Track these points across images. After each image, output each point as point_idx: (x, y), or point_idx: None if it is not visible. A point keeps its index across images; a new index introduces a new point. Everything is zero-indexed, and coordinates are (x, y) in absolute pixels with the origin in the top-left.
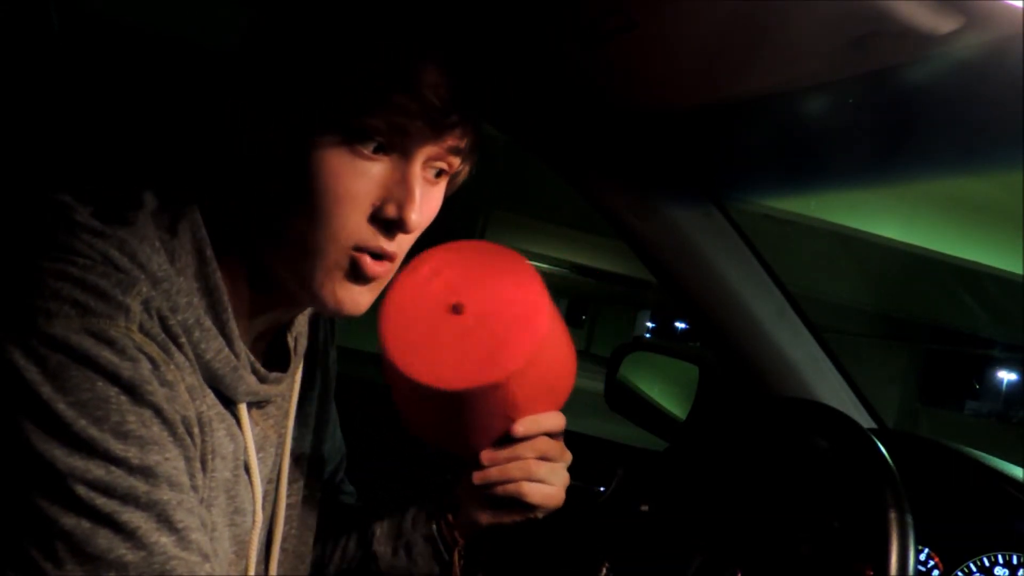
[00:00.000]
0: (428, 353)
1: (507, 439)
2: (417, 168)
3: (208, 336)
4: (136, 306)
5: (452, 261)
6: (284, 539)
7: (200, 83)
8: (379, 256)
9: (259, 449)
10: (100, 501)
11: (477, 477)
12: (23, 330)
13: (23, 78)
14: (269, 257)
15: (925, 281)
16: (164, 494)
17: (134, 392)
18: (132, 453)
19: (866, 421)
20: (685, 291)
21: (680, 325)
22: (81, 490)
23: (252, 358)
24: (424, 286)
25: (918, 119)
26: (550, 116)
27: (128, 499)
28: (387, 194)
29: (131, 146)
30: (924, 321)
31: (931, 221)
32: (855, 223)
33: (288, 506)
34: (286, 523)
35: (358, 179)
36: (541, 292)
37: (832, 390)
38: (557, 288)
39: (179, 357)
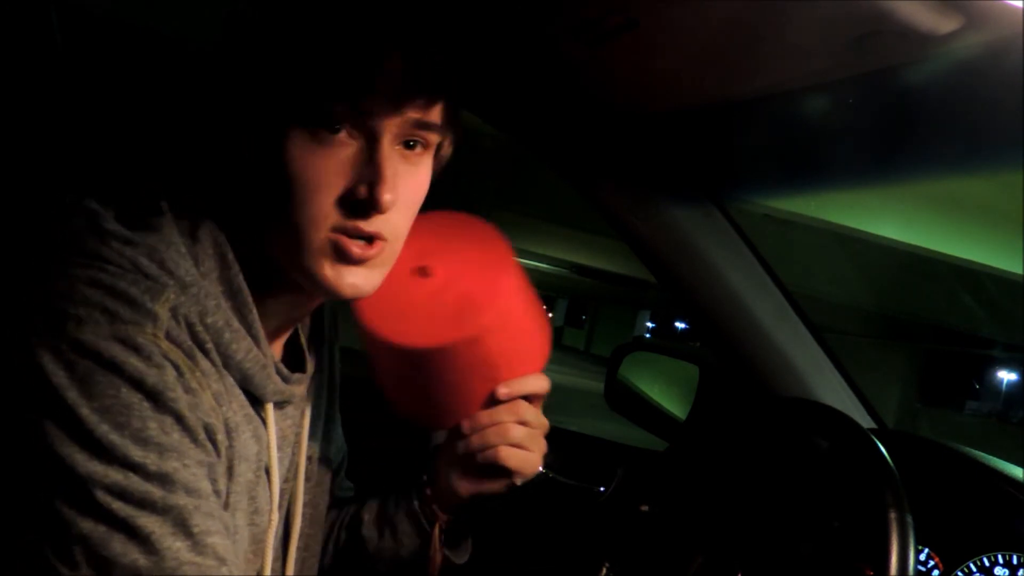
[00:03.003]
0: (399, 315)
1: (486, 404)
2: (386, 146)
3: (238, 337)
4: (164, 313)
5: (420, 228)
6: (298, 538)
7: (193, 82)
8: (361, 237)
9: (278, 449)
10: (116, 505)
11: (459, 446)
12: (53, 335)
13: (23, 79)
14: (271, 248)
15: (925, 281)
16: (180, 499)
17: (157, 399)
18: (151, 459)
19: (866, 421)
20: (685, 291)
21: (680, 325)
22: (99, 495)
23: (275, 358)
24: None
25: (918, 119)
26: (550, 116)
27: (144, 504)
28: (358, 176)
29: (139, 149)
30: (924, 321)
31: (931, 221)
32: (855, 223)
33: (303, 504)
34: (301, 521)
35: (327, 164)
36: (507, 255)
37: (832, 390)
38: (557, 288)
39: (205, 363)
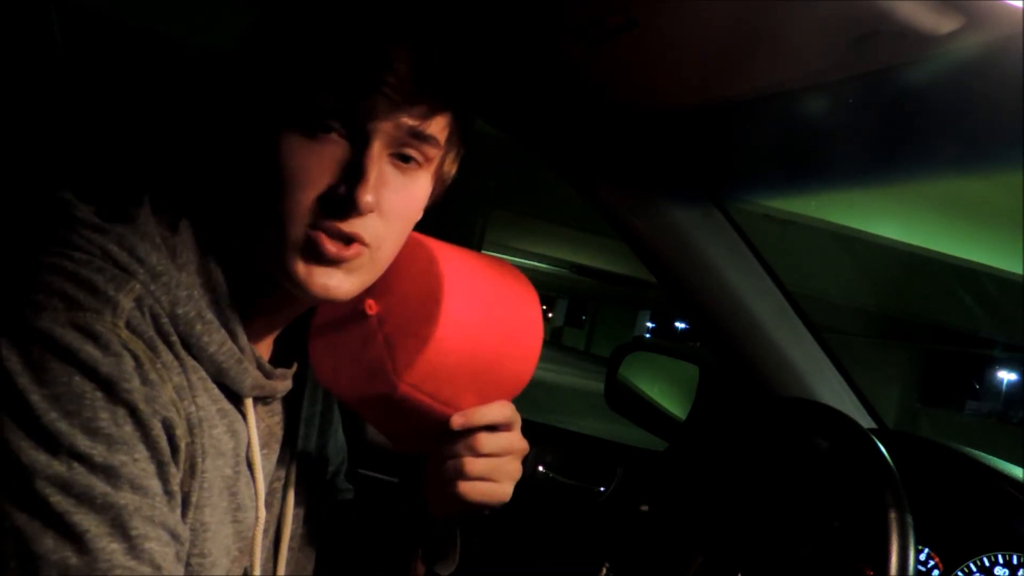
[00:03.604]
0: (331, 357)
1: (444, 437)
2: (375, 150)
3: (211, 329)
4: (126, 303)
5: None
6: (291, 537)
7: (192, 81)
8: (338, 237)
9: (263, 445)
10: (55, 499)
11: (428, 474)
12: (11, 322)
13: (23, 77)
14: (253, 244)
15: (925, 281)
16: (123, 498)
17: (111, 389)
18: (98, 451)
19: (866, 421)
20: (685, 291)
21: (680, 325)
22: (39, 486)
23: (257, 353)
24: None
25: (918, 119)
26: (550, 115)
27: (83, 499)
28: (342, 175)
29: (132, 145)
30: (924, 321)
31: (931, 221)
32: (855, 223)
33: (295, 504)
34: (293, 521)
35: (313, 160)
36: (450, 285)
37: (832, 390)
38: (557, 288)
39: (167, 356)
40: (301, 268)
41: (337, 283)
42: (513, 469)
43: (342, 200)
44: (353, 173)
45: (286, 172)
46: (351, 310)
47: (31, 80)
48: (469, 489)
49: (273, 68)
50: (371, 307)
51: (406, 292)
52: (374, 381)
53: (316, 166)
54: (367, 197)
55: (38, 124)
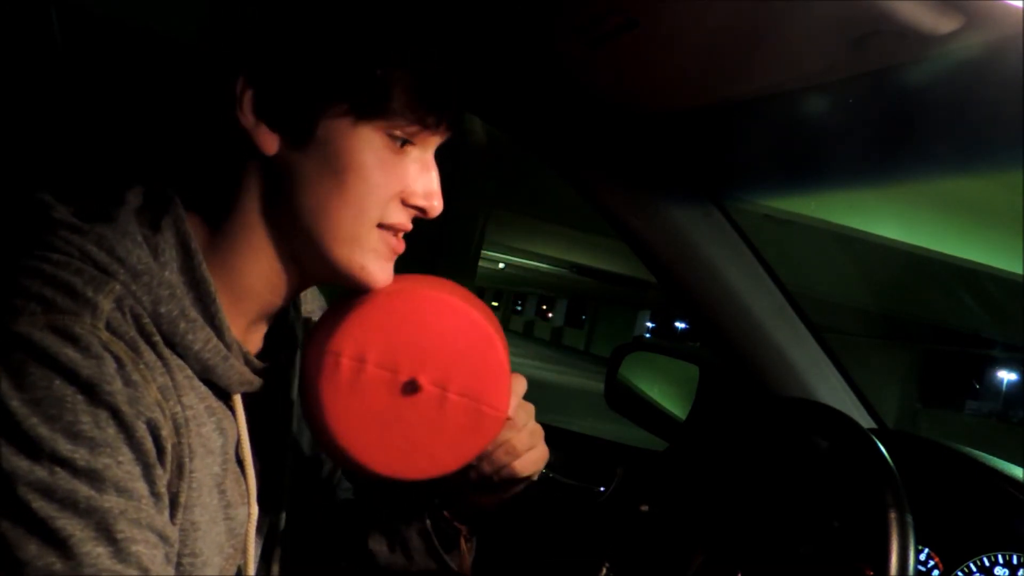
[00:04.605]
0: (400, 447)
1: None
2: (432, 157)
3: (195, 327)
4: (106, 304)
5: (380, 322)
6: (286, 534)
7: (190, 78)
8: (396, 232)
9: (255, 441)
10: (37, 504)
11: (471, 475)
12: None
13: (23, 77)
14: (299, 245)
15: (925, 281)
16: (107, 501)
17: (92, 392)
18: (80, 455)
19: (866, 421)
20: (685, 291)
21: (680, 325)
22: (21, 491)
23: (244, 348)
24: (360, 359)
25: (918, 119)
26: (551, 115)
27: (67, 504)
28: (413, 183)
29: (127, 144)
30: (924, 321)
31: (931, 221)
32: (855, 223)
33: (290, 500)
34: (288, 518)
35: (392, 172)
36: (495, 336)
37: (832, 390)
38: (557, 288)
39: (150, 356)
40: (374, 267)
41: (389, 273)
42: (539, 429)
43: (421, 206)
44: (425, 182)
45: (371, 179)
46: (391, 394)
47: (31, 80)
48: (524, 465)
49: (360, 94)
50: (419, 380)
51: (459, 354)
52: (463, 448)
53: (396, 178)
54: (437, 203)
55: (38, 124)
